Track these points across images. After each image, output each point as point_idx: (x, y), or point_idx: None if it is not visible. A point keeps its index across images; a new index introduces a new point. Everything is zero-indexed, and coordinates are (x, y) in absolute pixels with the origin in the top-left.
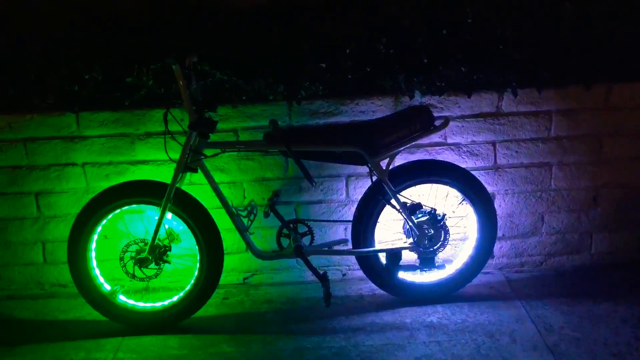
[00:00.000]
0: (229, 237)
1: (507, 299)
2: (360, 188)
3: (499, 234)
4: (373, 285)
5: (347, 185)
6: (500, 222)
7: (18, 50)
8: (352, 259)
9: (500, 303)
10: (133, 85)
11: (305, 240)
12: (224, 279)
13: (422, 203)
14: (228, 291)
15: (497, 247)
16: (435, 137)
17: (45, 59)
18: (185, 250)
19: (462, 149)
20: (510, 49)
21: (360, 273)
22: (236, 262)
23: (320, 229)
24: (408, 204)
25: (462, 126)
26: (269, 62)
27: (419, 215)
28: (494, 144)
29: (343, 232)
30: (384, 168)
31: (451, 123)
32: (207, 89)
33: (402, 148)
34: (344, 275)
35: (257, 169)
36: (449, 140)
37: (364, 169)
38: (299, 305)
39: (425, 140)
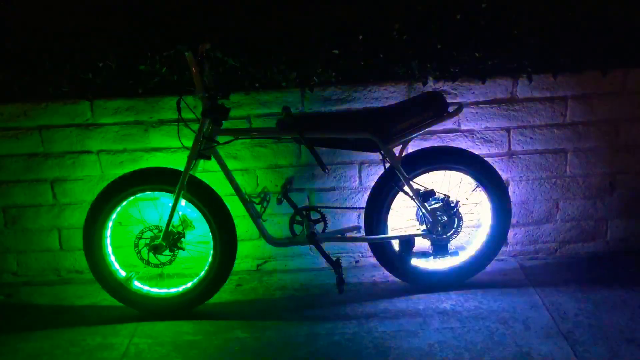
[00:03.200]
0: (243, 224)
1: (521, 286)
2: (373, 175)
3: (513, 220)
4: (386, 272)
5: (360, 172)
6: (514, 209)
7: (33, 38)
8: (365, 245)
9: (514, 290)
10: (146, 73)
11: (318, 227)
12: (238, 265)
13: (435, 190)
14: (242, 278)
15: (511, 234)
16: (448, 124)
17: (59, 47)
18: (199, 237)
19: (475, 135)
20: (525, 34)
21: (373, 260)
22: (250, 249)
23: (333, 215)
24: (421, 191)
25: (476, 112)
26: (282, 49)
27: (432, 202)
28: (508, 130)
29: (356, 218)
30: (397, 155)
31: (465, 109)
32: (220, 76)
33: (415, 135)
34: (357, 262)
35: (270, 156)
36: (463, 127)
37: (377, 156)
38: (312, 292)
39: (438, 127)
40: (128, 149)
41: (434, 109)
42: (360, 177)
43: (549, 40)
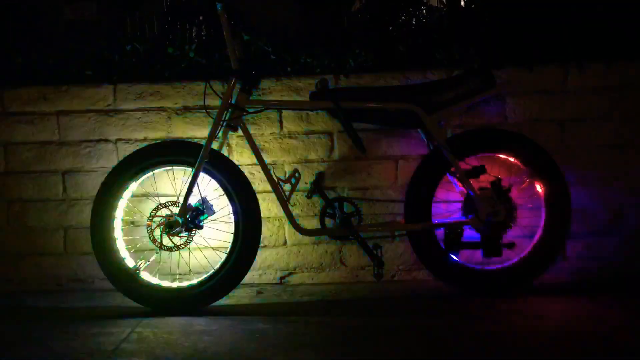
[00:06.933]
0: (265, 227)
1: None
2: (412, 172)
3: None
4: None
5: (397, 169)
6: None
7: (56, 19)
8: (405, 248)
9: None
10: (174, 56)
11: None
12: (258, 277)
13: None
14: (263, 289)
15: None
16: (494, 116)
17: (85, 28)
18: (218, 223)
19: (522, 129)
20: (574, 18)
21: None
22: (272, 258)
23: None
24: (470, 172)
25: (523, 103)
26: (317, 32)
27: (482, 186)
28: (561, 122)
29: (390, 216)
30: (442, 129)
31: (510, 100)
32: (250, 55)
33: (460, 107)
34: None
35: (301, 148)
36: (510, 120)
37: (417, 150)
38: (343, 296)
39: (483, 118)
40: (148, 138)
41: (481, 80)
42: (397, 174)
43: (601, 25)
